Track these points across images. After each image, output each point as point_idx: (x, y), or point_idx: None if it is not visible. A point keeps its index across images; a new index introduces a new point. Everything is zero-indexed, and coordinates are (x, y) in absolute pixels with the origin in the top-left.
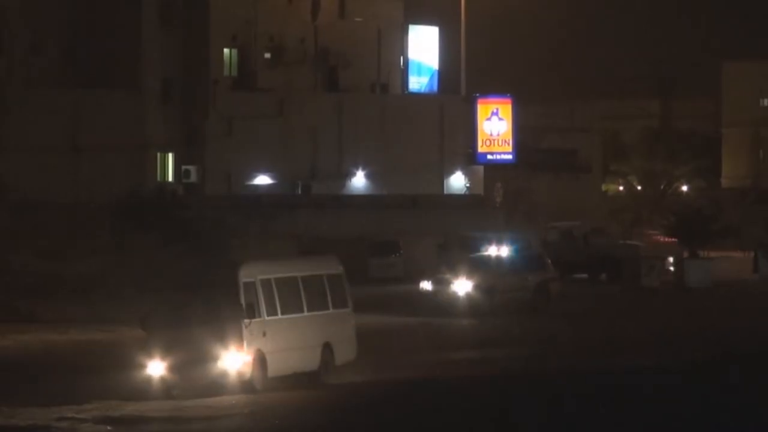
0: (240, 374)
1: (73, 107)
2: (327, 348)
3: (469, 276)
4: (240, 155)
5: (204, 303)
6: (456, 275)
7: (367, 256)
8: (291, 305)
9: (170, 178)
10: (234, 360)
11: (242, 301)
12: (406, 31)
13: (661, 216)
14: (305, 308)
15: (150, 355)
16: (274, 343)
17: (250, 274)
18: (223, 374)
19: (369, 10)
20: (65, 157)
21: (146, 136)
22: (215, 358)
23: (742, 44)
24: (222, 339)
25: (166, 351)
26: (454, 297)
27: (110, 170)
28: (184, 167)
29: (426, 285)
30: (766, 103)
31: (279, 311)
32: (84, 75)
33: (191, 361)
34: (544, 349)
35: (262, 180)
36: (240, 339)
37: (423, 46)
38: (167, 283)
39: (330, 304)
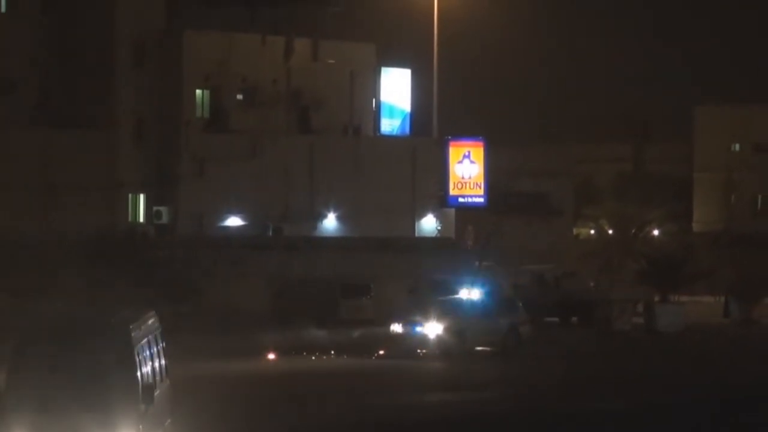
0: None
1: (45, 147)
2: (166, 430)
3: (440, 319)
4: (212, 196)
5: (81, 375)
6: (426, 318)
7: (338, 298)
8: (152, 377)
9: (142, 219)
10: None
11: (139, 378)
12: (378, 74)
13: (632, 260)
14: (158, 381)
15: None
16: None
17: (138, 336)
18: None
19: (341, 53)
20: (37, 197)
21: (118, 176)
22: None
23: (715, 90)
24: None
25: None
26: (424, 339)
27: (82, 210)
28: (155, 208)
29: (396, 327)
30: (737, 148)
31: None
32: (56, 115)
33: None
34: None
35: (234, 221)
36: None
37: (395, 89)
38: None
39: (164, 374)
